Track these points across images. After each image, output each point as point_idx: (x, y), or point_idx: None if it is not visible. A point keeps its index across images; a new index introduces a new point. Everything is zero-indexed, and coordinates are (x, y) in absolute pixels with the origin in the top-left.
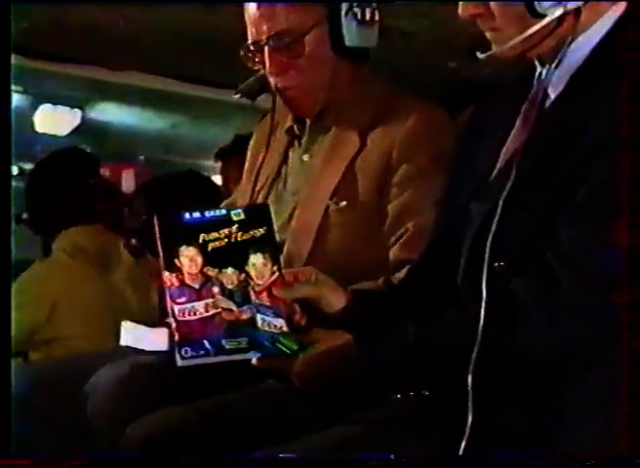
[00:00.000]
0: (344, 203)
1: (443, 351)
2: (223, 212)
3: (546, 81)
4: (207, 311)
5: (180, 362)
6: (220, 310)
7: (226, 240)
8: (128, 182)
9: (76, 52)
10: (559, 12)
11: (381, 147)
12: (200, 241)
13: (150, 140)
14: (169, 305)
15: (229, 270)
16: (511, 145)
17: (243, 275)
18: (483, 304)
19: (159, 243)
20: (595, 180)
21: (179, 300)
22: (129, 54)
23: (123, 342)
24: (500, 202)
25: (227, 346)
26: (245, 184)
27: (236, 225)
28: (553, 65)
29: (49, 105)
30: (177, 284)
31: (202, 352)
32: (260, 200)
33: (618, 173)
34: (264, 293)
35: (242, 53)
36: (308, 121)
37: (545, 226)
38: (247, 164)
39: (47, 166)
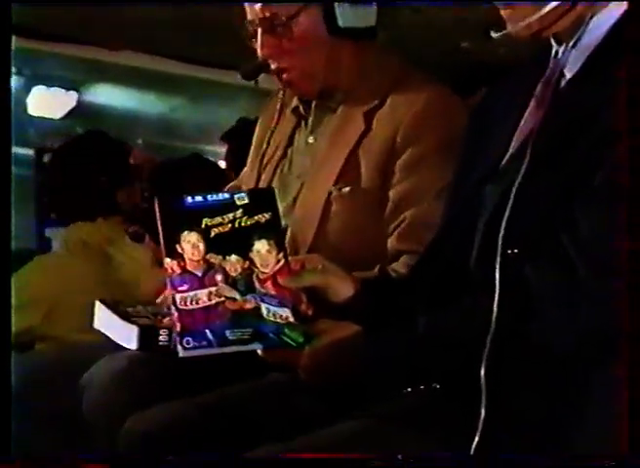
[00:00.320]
0: (348, 189)
1: (455, 342)
2: (227, 195)
3: (563, 60)
4: (210, 300)
5: (182, 352)
6: (223, 299)
7: (230, 225)
8: None
9: (71, 31)
10: None
11: (387, 130)
12: (202, 226)
13: (149, 124)
14: (170, 293)
15: (233, 257)
16: (525, 127)
17: (247, 262)
18: (496, 293)
19: (160, 228)
20: (613, 164)
21: (180, 288)
22: (126, 33)
23: (96, 325)
24: (515, 186)
25: (231, 337)
26: (250, 166)
27: (240, 210)
28: (570, 44)
29: (43, 87)
30: (178, 271)
31: (204, 343)
32: (264, 183)
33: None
34: (269, 282)
35: (242, 31)
36: (314, 102)
37: (561, 211)
38: (253, 144)
39: (68, 151)
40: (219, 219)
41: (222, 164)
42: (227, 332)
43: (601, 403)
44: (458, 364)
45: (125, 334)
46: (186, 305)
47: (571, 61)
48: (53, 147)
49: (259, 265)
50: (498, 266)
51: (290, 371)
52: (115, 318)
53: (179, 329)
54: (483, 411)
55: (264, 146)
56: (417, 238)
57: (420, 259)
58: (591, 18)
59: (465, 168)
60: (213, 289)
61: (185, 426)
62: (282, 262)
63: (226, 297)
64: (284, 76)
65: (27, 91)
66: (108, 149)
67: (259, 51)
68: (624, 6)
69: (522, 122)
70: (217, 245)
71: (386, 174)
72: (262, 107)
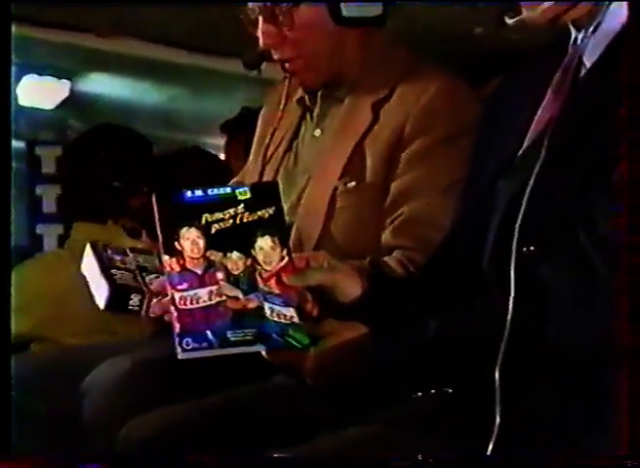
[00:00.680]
0: (353, 183)
1: (467, 344)
2: (228, 190)
3: (582, 48)
4: (210, 299)
5: (180, 354)
6: (224, 298)
7: (231, 221)
8: None
9: (64, 17)
10: None
11: (395, 122)
12: (203, 222)
13: (146, 115)
14: (169, 292)
15: (235, 254)
16: (541, 119)
17: (249, 260)
18: (511, 293)
19: (158, 224)
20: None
21: (179, 287)
22: (123, 19)
23: (82, 269)
24: (531, 181)
25: (232, 338)
26: (254, 159)
27: (242, 205)
28: (590, 30)
29: (34, 76)
30: (177, 269)
31: (205, 344)
32: (268, 177)
33: None
34: (273, 280)
35: (243, 18)
36: (320, 92)
37: (578, 206)
38: (256, 135)
39: (83, 145)
40: (219, 215)
41: (223, 157)
42: (229, 333)
43: (617, 403)
44: (471, 366)
45: (99, 290)
46: (186, 304)
47: (590, 49)
48: (45, 140)
49: (261, 263)
50: (513, 264)
51: (295, 374)
52: (96, 268)
53: (178, 329)
54: (498, 416)
55: (268, 139)
56: (411, 234)
57: (431, 258)
58: (611, 2)
59: (478, 162)
60: (213, 287)
61: (188, 429)
62: (286, 260)
63: (228, 296)
64: (286, 66)
65: (17, 80)
66: (129, 152)
67: (260, 40)
68: None
69: (538, 113)
70: (217, 241)
71: (392, 167)
72: (266, 97)
